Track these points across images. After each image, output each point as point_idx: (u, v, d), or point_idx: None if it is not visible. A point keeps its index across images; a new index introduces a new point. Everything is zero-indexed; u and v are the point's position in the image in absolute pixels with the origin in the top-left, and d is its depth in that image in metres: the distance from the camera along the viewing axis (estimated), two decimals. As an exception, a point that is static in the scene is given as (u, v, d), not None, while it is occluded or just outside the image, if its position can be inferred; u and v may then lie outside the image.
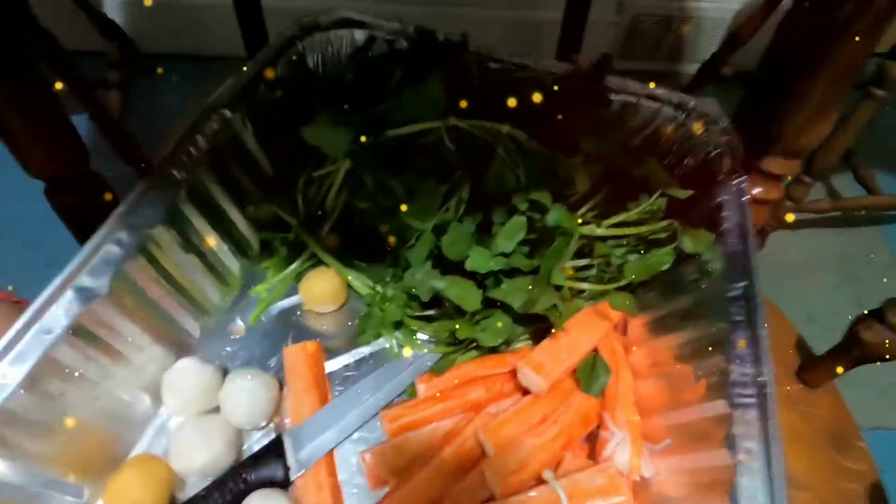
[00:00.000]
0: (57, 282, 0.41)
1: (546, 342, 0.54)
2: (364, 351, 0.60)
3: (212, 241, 0.55)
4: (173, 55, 1.49)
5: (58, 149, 0.78)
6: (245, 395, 0.49)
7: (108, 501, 0.43)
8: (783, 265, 1.38)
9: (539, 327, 0.57)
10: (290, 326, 0.60)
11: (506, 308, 0.55)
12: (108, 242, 0.44)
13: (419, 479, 0.48)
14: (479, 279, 0.53)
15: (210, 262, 0.57)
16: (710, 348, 0.47)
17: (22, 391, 0.38)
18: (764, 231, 1.41)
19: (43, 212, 0.59)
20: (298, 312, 0.62)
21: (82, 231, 0.85)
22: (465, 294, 0.51)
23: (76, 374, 0.41)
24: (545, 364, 0.52)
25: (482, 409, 0.53)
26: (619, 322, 0.59)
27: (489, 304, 0.55)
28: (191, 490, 0.46)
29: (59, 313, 0.40)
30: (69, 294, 0.41)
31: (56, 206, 0.85)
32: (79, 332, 0.41)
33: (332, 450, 0.51)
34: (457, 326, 0.52)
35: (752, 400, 0.42)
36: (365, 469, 0.50)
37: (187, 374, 0.49)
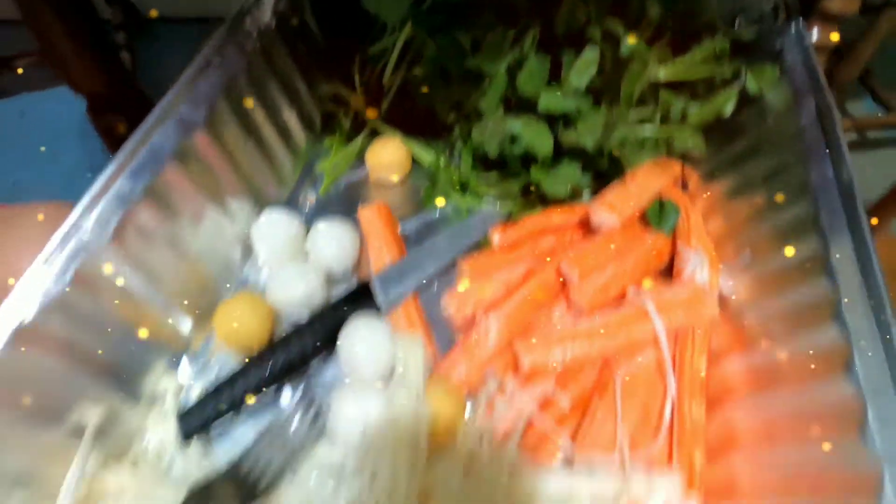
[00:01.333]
0: (158, 111, 0.43)
1: (615, 185, 0.55)
2: (432, 217, 0.61)
3: (283, 105, 0.56)
4: (175, 18, 1.48)
5: (100, 67, 0.79)
6: (332, 239, 0.51)
7: (219, 326, 0.45)
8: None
9: (602, 184, 0.58)
10: (359, 198, 0.62)
11: (573, 157, 0.56)
12: (200, 78, 0.45)
13: (505, 309, 0.50)
14: (549, 125, 0.54)
15: (282, 129, 0.58)
16: (778, 170, 0.48)
17: (142, 202, 0.39)
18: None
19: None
20: (365, 185, 0.63)
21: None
22: (538, 137, 0.53)
23: (183, 197, 0.43)
24: (616, 203, 0.53)
25: (555, 256, 0.55)
26: (678, 178, 0.61)
27: (556, 156, 0.56)
28: (286, 329, 0.48)
29: (165, 138, 0.42)
30: (171, 124, 0.43)
31: (97, 125, 0.86)
32: (182, 157, 0.43)
33: (416, 293, 0.53)
34: (531, 170, 0.54)
35: (837, 195, 0.43)
36: (452, 307, 0.52)
37: (275, 222, 0.51)
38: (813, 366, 0.39)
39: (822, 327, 0.39)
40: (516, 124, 0.52)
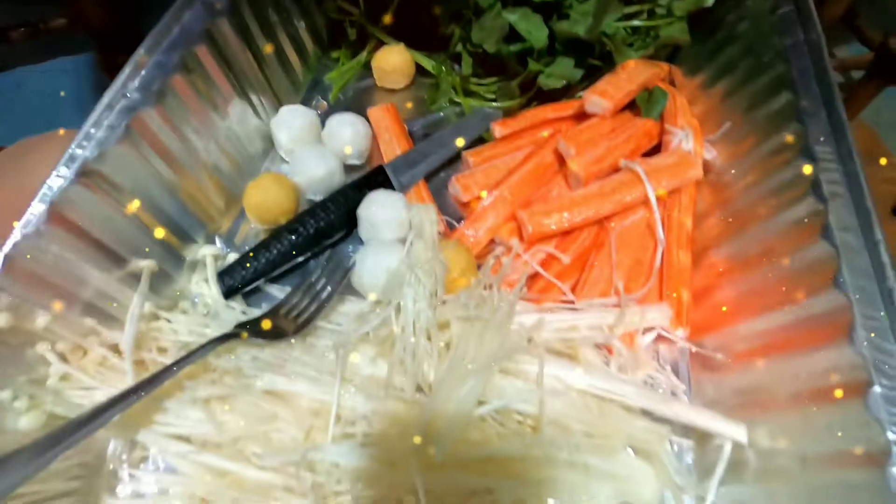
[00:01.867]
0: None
1: (607, 76, 0.59)
2: (436, 117, 0.65)
3: (294, 13, 0.60)
4: None
5: (110, 4, 0.81)
6: (346, 126, 0.55)
7: (249, 200, 0.49)
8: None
9: (594, 80, 0.62)
10: (366, 104, 0.66)
11: (567, 52, 0.60)
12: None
13: (508, 184, 0.55)
14: (544, 17, 0.58)
15: (293, 35, 0.61)
16: (760, 62, 0.52)
17: (178, 73, 0.43)
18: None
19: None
20: (372, 91, 0.67)
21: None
22: (534, 27, 0.57)
23: (213, 78, 0.47)
24: (608, 89, 0.57)
25: (552, 142, 0.59)
26: (665, 75, 0.65)
27: (551, 53, 0.60)
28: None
29: (194, 20, 0.45)
30: (198, 7, 0.46)
31: (104, 63, 0.89)
32: (210, 39, 0.46)
33: (424, 180, 0.58)
34: (528, 63, 0.58)
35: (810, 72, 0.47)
36: (458, 189, 0.56)
37: (293, 113, 0.55)
38: (782, 210, 0.44)
39: (791, 167, 0.44)
40: (513, 16, 0.56)
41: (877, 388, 0.31)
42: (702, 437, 0.42)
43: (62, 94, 1.35)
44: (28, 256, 0.34)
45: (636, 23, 0.60)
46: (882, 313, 0.34)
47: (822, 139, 0.43)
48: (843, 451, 0.32)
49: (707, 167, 0.54)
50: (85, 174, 0.37)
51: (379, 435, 0.37)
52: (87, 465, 0.38)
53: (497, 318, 0.42)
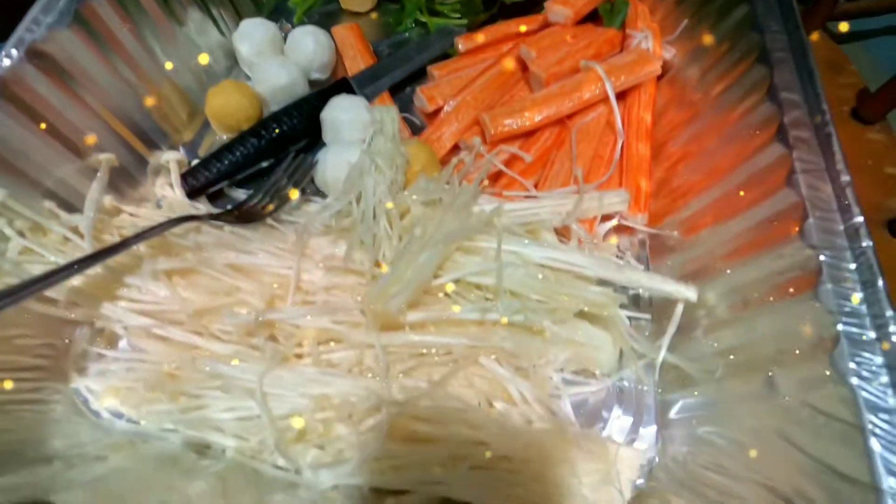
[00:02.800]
0: None
1: (569, -14, 0.59)
2: (402, 37, 0.65)
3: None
4: None
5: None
6: (309, 37, 0.55)
7: (211, 105, 0.50)
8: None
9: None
10: (332, 26, 0.66)
11: (529, -37, 0.60)
12: None
13: (471, 91, 0.55)
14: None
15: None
16: None
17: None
18: None
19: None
20: (337, 15, 0.67)
21: None
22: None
23: None
24: (570, -1, 0.58)
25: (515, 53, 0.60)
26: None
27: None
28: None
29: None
30: None
31: None
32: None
33: (388, 92, 0.58)
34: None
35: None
36: (423, 100, 0.57)
37: (255, 26, 0.55)
38: (737, 100, 0.45)
39: (743, 43, 0.45)
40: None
41: (810, 220, 0.33)
42: (658, 312, 0.44)
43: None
44: (-21, 128, 0.34)
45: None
46: (819, 158, 0.35)
47: (769, 15, 0.44)
48: (779, 284, 0.33)
49: (666, 67, 0.55)
50: (35, 56, 0.37)
51: (338, 303, 0.38)
52: (54, 346, 0.38)
53: (458, 202, 0.43)
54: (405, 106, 0.59)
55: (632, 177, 0.49)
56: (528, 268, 0.41)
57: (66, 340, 0.39)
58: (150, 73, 0.47)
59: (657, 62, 0.53)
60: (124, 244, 0.36)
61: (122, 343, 0.40)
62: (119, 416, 0.37)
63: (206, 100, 0.50)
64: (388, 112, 0.50)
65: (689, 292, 0.39)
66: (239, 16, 0.59)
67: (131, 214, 0.43)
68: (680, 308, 0.39)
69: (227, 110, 0.50)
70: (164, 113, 0.50)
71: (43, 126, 0.38)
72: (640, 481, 0.37)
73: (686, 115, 0.51)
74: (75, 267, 0.34)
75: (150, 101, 0.47)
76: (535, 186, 0.51)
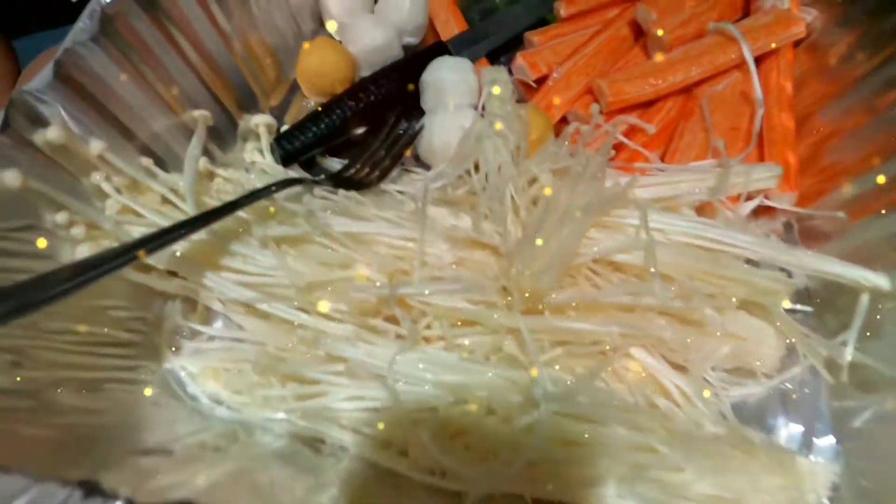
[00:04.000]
0: None
1: (684, -56, 0.53)
2: (491, 3, 0.60)
3: None
4: None
5: None
6: (404, -5, 0.50)
7: (304, 65, 0.45)
8: None
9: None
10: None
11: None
12: None
13: (582, 56, 0.50)
14: None
15: None
16: None
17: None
18: None
19: None
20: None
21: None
22: None
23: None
24: (689, -44, 0.52)
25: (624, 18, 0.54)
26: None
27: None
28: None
29: None
30: None
31: None
32: None
33: (485, 56, 0.53)
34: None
35: None
36: (524, 67, 0.51)
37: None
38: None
39: None
40: None
41: None
42: (823, 302, 0.38)
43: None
44: (78, 68, 0.30)
45: None
46: None
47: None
48: None
49: (805, 31, 0.49)
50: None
51: (472, 279, 0.33)
52: (145, 319, 0.34)
53: (588, 171, 0.38)
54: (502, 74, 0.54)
55: (777, 150, 0.43)
56: (679, 246, 0.36)
57: (157, 315, 0.35)
58: (243, 25, 0.43)
59: (800, 23, 0.46)
60: (234, 206, 0.31)
61: (218, 323, 0.36)
62: (219, 402, 0.33)
63: (298, 59, 0.46)
64: (499, 73, 0.45)
65: (879, 279, 0.33)
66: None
67: (226, 179, 0.39)
68: (865, 299, 0.33)
69: (322, 70, 0.45)
70: (254, 72, 0.45)
71: (142, 73, 0.34)
72: (825, 502, 0.31)
73: (831, 87, 0.45)
74: (181, 231, 0.29)
75: (240, 55, 0.43)
76: (662, 159, 0.45)
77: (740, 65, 0.46)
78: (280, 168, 0.42)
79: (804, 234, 0.43)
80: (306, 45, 0.45)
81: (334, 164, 0.45)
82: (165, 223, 0.30)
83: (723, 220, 0.40)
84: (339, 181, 0.38)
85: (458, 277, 0.32)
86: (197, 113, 0.38)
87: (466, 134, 0.40)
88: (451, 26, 0.55)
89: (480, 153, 0.39)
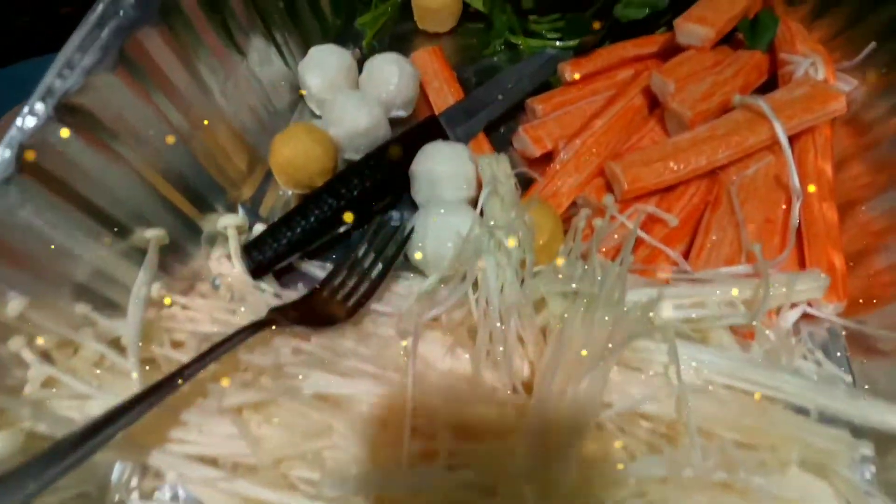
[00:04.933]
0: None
1: (700, 1, 0.48)
2: (489, 63, 0.55)
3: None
4: None
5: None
6: (392, 66, 0.45)
7: (278, 157, 0.40)
8: None
9: (676, 12, 0.51)
10: (407, 50, 0.55)
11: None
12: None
13: (591, 132, 0.44)
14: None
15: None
16: None
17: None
18: None
19: None
20: (412, 37, 0.57)
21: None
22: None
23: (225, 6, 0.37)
24: (707, 15, 0.46)
25: (637, 84, 0.49)
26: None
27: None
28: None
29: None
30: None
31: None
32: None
33: (482, 130, 0.48)
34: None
35: None
36: (527, 142, 0.46)
37: (325, 53, 0.46)
38: None
39: None
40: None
41: None
42: (884, 445, 0.32)
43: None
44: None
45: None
46: None
47: None
48: None
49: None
50: (66, 111, 0.28)
51: (470, 452, 0.27)
52: (87, 496, 0.29)
53: (606, 292, 0.32)
54: (500, 148, 0.48)
55: (819, 250, 0.38)
56: (713, 392, 0.30)
57: (101, 487, 0.29)
58: (204, 117, 0.37)
59: (840, 98, 0.41)
60: (184, 372, 0.26)
61: (173, 488, 0.30)
62: None
63: (271, 149, 0.40)
64: (500, 163, 0.39)
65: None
66: (305, 42, 0.49)
67: (184, 307, 0.34)
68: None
69: (297, 162, 0.40)
70: (219, 165, 0.40)
71: (74, 201, 0.29)
72: None
73: (879, 174, 0.39)
74: (110, 426, 0.24)
75: (202, 152, 0.38)
76: (686, 257, 0.40)
77: (772, 145, 0.41)
78: (250, 282, 0.37)
79: (853, 342, 0.37)
80: (278, 137, 0.40)
81: (315, 269, 0.40)
82: (102, 398, 0.25)
83: (763, 341, 0.34)
84: (312, 317, 0.32)
85: (454, 454, 0.27)
86: (150, 234, 0.33)
87: (464, 243, 0.35)
88: (445, 95, 0.49)
89: (481, 271, 0.33)
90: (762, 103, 0.41)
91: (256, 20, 0.42)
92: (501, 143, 0.49)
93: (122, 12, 0.31)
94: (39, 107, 0.27)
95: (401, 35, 0.57)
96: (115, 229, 0.31)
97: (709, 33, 0.46)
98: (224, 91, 0.39)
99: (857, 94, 0.43)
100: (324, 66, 0.45)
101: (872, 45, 0.42)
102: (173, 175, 0.35)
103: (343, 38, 0.56)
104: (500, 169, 0.39)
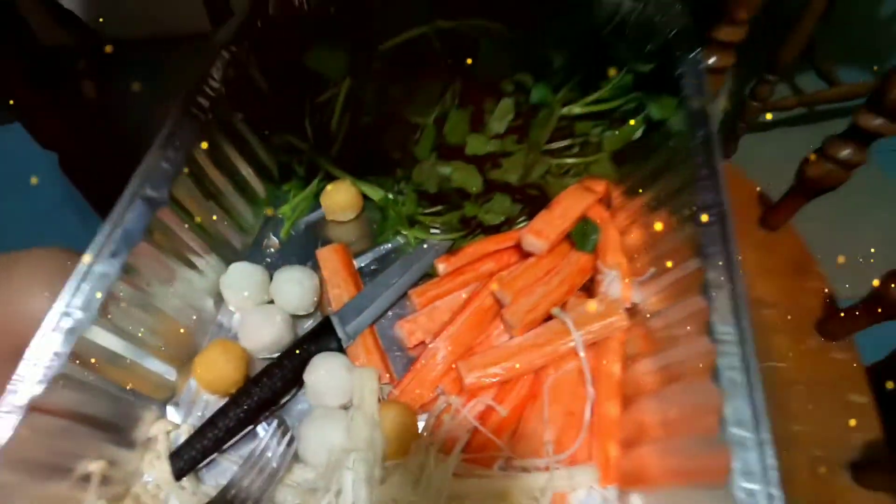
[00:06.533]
0: (127, 194, 0.49)
1: (542, 213, 0.62)
2: (384, 249, 0.68)
3: (241, 164, 0.62)
4: (140, 41, 1.51)
5: (68, 124, 0.83)
6: (294, 283, 0.58)
7: (199, 374, 0.52)
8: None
9: (534, 209, 0.65)
10: (317, 237, 0.69)
11: (504, 190, 0.63)
12: (160, 160, 0.51)
13: (448, 334, 0.57)
14: (478, 165, 0.61)
15: (241, 185, 0.64)
16: (679, 189, 0.55)
17: (120, 280, 0.46)
18: (735, 135, 1.50)
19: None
20: (322, 224, 0.70)
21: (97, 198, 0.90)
22: (468, 177, 0.60)
23: (155, 266, 0.50)
24: (543, 229, 0.60)
25: (494, 279, 0.62)
26: (603, 195, 0.68)
27: (490, 190, 0.63)
28: (260, 366, 0.55)
29: (135, 220, 0.48)
30: (139, 205, 0.49)
31: (71, 178, 0.91)
32: (151, 233, 0.49)
33: (372, 324, 0.60)
34: (465, 206, 0.61)
35: (715, 219, 0.50)
36: (404, 334, 0.59)
37: (241, 273, 0.58)
38: (700, 365, 0.47)
39: (698, 337, 0.47)
40: (447, 169, 0.59)
41: None
42: None
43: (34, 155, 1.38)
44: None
45: (569, 160, 0.63)
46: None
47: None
48: None
49: (635, 308, 0.57)
50: (31, 410, 0.39)
51: None
52: None
53: (434, 487, 0.45)
54: (387, 328, 0.61)
55: (600, 443, 0.51)
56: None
57: None
58: (140, 360, 0.49)
59: (623, 314, 0.55)
60: None
61: None
62: None
63: (193, 366, 0.52)
64: (367, 379, 0.52)
65: None
66: (228, 247, 0.62)
67: (121, 514, 0.45)
68: None
69: (214, 379, 0.52)
70: (151, 384, 0.52)
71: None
72: None
73: (657, 370, 0.53)
74: None
75: (134, 387, 0.49)
76: (510, 444, 0.52)
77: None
78: (173, 483, 0.48)
79: None
80: (198, 358, 0.52)
81: (229, 462, 0.51)
82: None
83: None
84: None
85: None
86: (92, 466, 0.44)
87: (329, 459, 0.47)
88: (341, 292, 0.62)
89: (341, 481, 0.46)
90: (567, 319, 0.54)
91: (182, 261, 0.55)
92: (389, 326, 0.62)
93: (70, 313, 0.43)
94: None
95: (313, 224, 0.70)
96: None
97: (543, 245, 0.60)
98: (158, 329, 0.51)
99: (646, 306, 0.57)
100: (239, 284, 0.57)
101: (652, 270, 0.56)
102: (111, 418, 0.47)
103: (264, 227, 0.69)
104: (367, 384, 0.51)
